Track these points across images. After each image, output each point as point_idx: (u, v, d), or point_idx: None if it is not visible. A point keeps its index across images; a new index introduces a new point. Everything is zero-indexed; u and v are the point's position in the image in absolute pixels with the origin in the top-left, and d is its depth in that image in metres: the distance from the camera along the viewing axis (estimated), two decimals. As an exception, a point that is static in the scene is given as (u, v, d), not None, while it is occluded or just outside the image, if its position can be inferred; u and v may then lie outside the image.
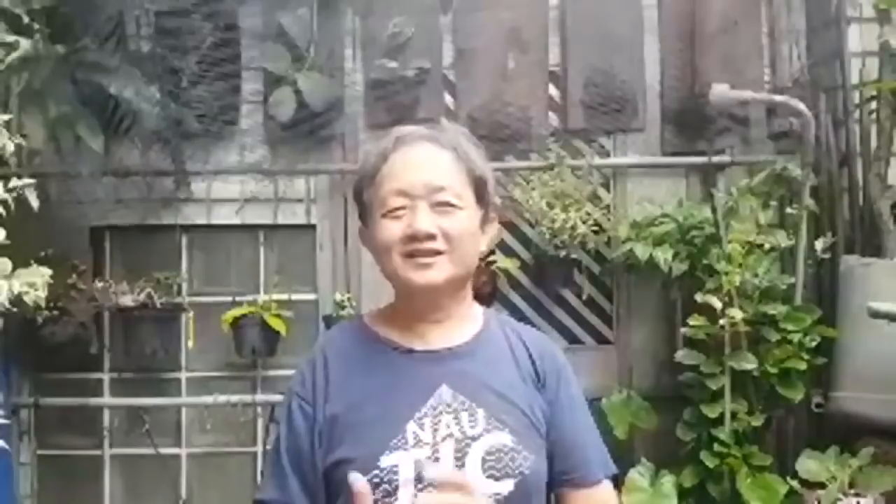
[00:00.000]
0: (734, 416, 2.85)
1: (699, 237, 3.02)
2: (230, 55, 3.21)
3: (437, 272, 1.28)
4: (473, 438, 1.24)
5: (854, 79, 3.19)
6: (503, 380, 1.31)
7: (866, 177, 3.12)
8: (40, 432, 3.27)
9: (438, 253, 1.28)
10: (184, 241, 3.33)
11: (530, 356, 1.36)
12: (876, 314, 2.60)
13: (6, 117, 2.19)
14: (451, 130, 1.37)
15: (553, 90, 3.37)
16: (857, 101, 3.18)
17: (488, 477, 1.23)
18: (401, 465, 1.21)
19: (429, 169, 1.30)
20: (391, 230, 1.28)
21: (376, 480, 1.20)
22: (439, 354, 1.32)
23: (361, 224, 1.38)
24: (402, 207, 1.28)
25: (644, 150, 3.35)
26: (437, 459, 1.22)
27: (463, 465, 1.22)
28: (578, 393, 1.39)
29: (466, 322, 1.37)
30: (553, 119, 3.35)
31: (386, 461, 1.22)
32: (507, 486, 1.23)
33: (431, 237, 1.27)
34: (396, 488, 1.21)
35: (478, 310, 1.41)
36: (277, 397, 3.05)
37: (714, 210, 2.97)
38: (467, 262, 1.32)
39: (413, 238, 1.26)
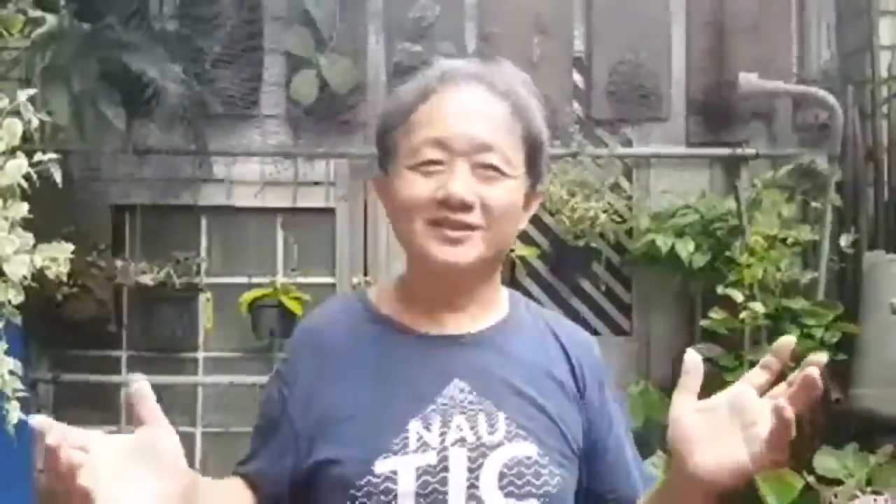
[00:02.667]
0: (752, 410, 2.82)
1: (721, 229, 2.99)
2: (253, 37, 3.21)
3: (467, 251, 1.03)
4: (491, 447, 1.03)
5: (883, 72, 3.15)
6: (530, 378, 1.09)
7: (892, 172, 3.08)
8: (58, 408, 3.29)
9: (472, 227, 1.03)
10: (203, 221, 3.34)
11: (568, 359, 1.13)
12: (900, 311, 2.57)
13: (31, 92, 2.19)
14: (509, 73, 1.11)
15: (577, 78, 3.34)
16: (885, 95, 3.14)
17: (507, 495, 1.02)
18: (400, 473, 1.00)
19: (477, 120, 1.04)
20: (418, 188, 1.03)
21: (369, 489, 1.00)
22: (454, 341, 1.09)
23: (381, 170, 1.13)
24: (438, 162, 1.03)
25: (668, 140, 3.32)
26: (444, 469, 1.01)
27: (477, 479, 1.02)
28: (619, 400, 1.19)
29: (491, 308, 1.14)
30: (576, 107, 3.33)
31: (382, 467, 1.00)
32: None
33: (467, 208, 1.02)
34: (394, 501, 1.00)
35: (504, 294, 1.17)
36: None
37: (737, 202, 2.94)
38: (504, 243, 1.08)
39: (444, 204, 1.02)
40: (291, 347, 1.14)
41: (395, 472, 1.00)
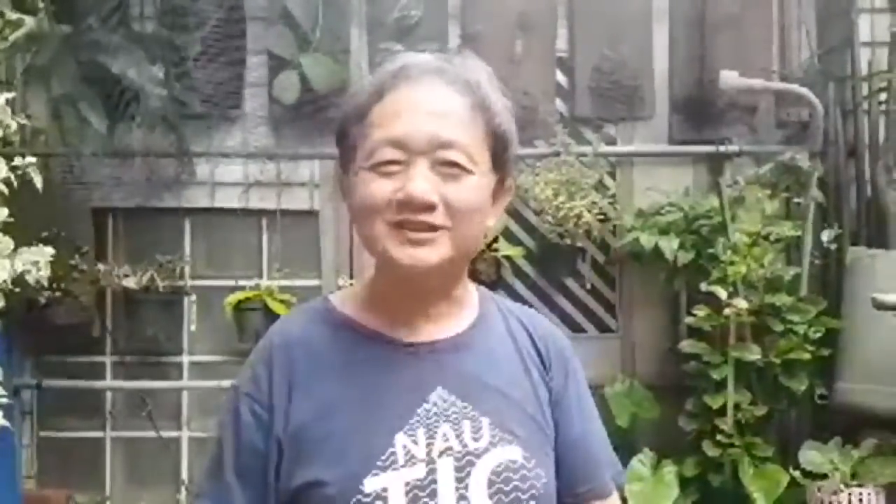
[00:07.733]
0: (737, 406, 2.84)
1: (705, 227, 3.01)
2: (235, 37, 3.19)
3: (432, 252, 1.00)
4: (477, 454, 1.01)
5: (863, 69, 3.17)
6: (506, 376, 1.07)
7: (874, 168, 3.11)
8: (42, 414, 3.26)
9: (436, 227, 0.99)
10: (187, 224, 3.31)
11: (533, 341, 1.12)
12: (881, 306, 2.59)
13: (10, 96, 2.17)
14: (470, 65, 1.06)
15: (560, 76, 3.35)
16: (865, 91, 3.16)
17: (496, 503, 1.00)
18: (391, 490, 0.97)
19: (437, 116, 1.00)
20: (378, 190, 0.99)
21: None
22: (432, 347, 1.05)
23: (341, 170, 1.08)
24: (396, 162, 0.99)
25: (651, 138, 3.33)
26: (433, 481, 0.99)
27: (466, 488, 0.99)
28: (586, 389, 1.15)
29: (461, 308, 1.10)
30: (560, 106, 3.33)
31: (371, 485, 0.97)
32: None
33: (430, 208, 0.98)
34: None
35: (473, 291, 1.14)
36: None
37: (721, 199, 2.95)
38: (470, 242, 1.04)
39: (405, 206, 0.98)
40: (260, 361, 1.06)
41: (385, 490, 0.97)
